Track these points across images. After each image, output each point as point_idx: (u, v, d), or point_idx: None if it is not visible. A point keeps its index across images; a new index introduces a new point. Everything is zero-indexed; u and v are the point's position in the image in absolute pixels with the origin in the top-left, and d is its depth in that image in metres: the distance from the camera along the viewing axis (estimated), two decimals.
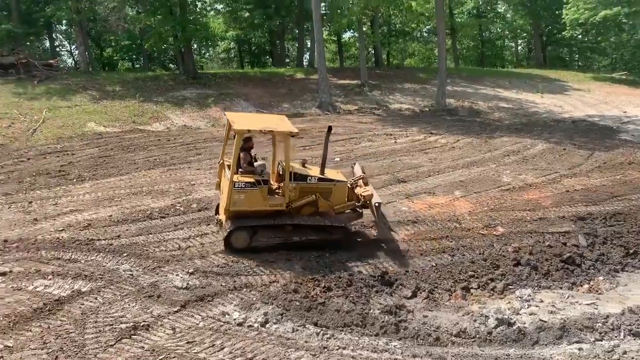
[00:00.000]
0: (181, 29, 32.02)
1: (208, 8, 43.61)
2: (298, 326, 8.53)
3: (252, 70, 42.64)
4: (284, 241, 11.08)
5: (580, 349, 8.28)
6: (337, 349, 8.02)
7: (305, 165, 11.82)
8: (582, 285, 10.49)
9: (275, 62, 48.24)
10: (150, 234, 11.77)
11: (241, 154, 10.91)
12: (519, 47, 66.45)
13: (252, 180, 10.72)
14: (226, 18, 45.89)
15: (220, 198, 11.82)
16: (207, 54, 59.53)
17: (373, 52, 47.14)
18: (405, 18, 48.29)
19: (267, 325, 8.49)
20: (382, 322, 8.74)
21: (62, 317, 8.37)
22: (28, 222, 12.26)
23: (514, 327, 8.79)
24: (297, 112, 29.46)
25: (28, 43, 41.01)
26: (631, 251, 11.76)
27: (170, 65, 49.26)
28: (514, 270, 10.77)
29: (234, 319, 8.59)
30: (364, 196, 11.70)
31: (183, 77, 34.06)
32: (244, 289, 9.58)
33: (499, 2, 55.21)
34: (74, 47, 49.26)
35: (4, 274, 9.62)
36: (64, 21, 41.27)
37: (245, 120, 11.87)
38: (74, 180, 15.70)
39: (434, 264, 11.03)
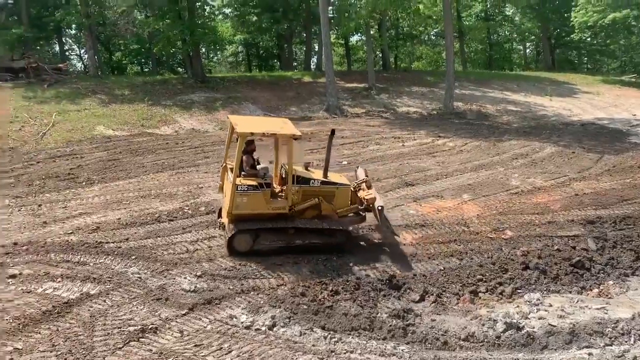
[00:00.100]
0: (189, 33, 32.17)
1: (216, 12, 43.71)
2: (305, 330, 8.52)
3: (260, 74, 42.73)
4: (286, 244, 11.07)
5: (590, 354, 8.22)
6: (345, 353, 8.01)
7: (308, 168, 11.80)
8: (591, 290, 10.41)
9: (282, 66, 48.33)
10: (159, 236, 11.82)
11: (244, 157, 10.92)
12: (527, 50, 66.19)
13: (254, 183, 10.73)
14: (234, 22, 46.09)
15: (223, 201, 11.80)
16: (215, 57, 59.71)
17: (381, 55, 47.08)
18: (412, 21, 48.19)
19: (275, 329, 8.49)
20: (390, 325, 8.72)
21: (71, 319, 8.42)
22: (37, 225, 12.34)
23: (523, 332, 8.74)
24: (304, 116, 29.50)
25: (38, 47, 41.39)
26: None
27: (179, 69, 49.46)
28: (522, 274, 10.71)
29: (242, 322, 8.60)
30: (367, 199, 11.65)
31: (191, 80, 34.19)
32: (252, 292, 9.59)
33: (507, 5, 55.01)
34: (83, 51, 49.64)
35: (13, 276, 9.69)
36: (74, 25, 41.52)
37: (248, 123, 11.87)
38: (83, 183, 15.80)
39: (442, 268, 10.99)
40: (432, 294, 9.95)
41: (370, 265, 10.91)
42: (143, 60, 50.46)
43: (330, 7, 37.89)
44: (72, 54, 53.49)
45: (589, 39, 53.29)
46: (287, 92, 33.77)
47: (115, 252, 10.85)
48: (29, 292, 9.19)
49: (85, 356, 7.53)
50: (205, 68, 44.01)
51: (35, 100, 26.33)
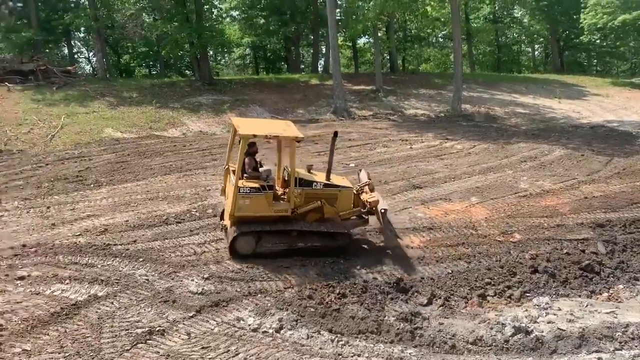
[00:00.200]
0: (197, 36, 32.30)
1: (224, 15, 43.94)
2: (313, 332, 8.50)
3: (267, 77, 42.83)
4: (288, 247, 11.02)
5: (599, 358, 8.15)
6: (352, 356, 7.98)
7: (311, 170, 11.78)
8: (601, 294, 10.33)
9: (290, 68, 48.43)
10: (166, 239, 11.83)
11: (246, 159, 10.88)
12: (536, 52, 65.96)
13: (257, 185, 10.70)
14: (242, 25, 46.28)
15: (225, 203, 11.77)
16: (223, 60, 59.96)
17: (388, 57, 47.06)
18: (420, 23, 48.25)
19: (282, 332, 8.47)
20: (398, 329, 8.68)
21: (79, 321, 8.44)
22: (46, 227, 12.40)
23: (532, 336, 8.68)
24: (312, 118, 29.52)
25: (47, 50, 41.71)
26: None
27: (187, 71, 49.66)
28: (531, 277, 10.64)
29: (249, 325, 8.59)
30: (369, 202, 11.59)
31: (199, 83, 34.31)
32: (259, 295, 9.58)
33: (515, 7, 54.85)
34: (91, 54, 50.03)
35: (22, 278, 9.73)
36: (83, 28, 41.92)
37: (250, 125, 11.80)
38: (91, 185, 15.86)
39: (450, 271, 10.93)
40: (440, 298, 9.91)
41: (377, 268, 10.88)
42: (151, 62, 50.75)
43: (337, 10, 37.96)
44: (81, 56, 53.98)
45: (598, 41, 53.02)
46: (295, 95, 33.81)
47: (123, 254, 10.87)
48: (37, 294, 9.23)
49: (92, 358, 7.54)
50: (213, 71, 44.13)
51: (44, 103, 26.51)
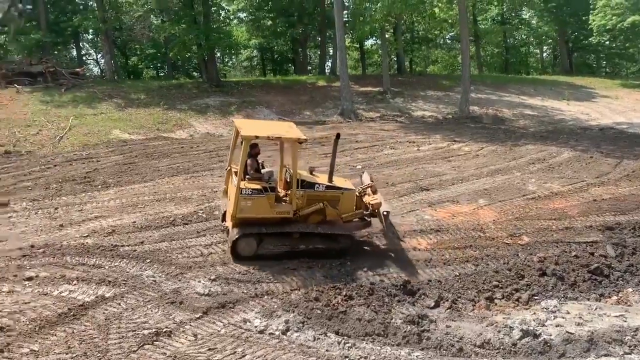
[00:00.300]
0: (205, 38, 32.38)
1: (231, 17, 44.00)
2: (319, 335, 8.48)
3: (275, 78, 42.88)
4: (290, 249, 10.99)
5: None
6: (359, 359, 7.96)
7: (314, 172, 11.75)
8: (610, 297, 10.24)
9: (297, 70, 48.45)
10: (173, 240, 11.86)
11: (248, 161, 10.87)
12: (544, 54, 65.59)
13: (259, 187, 10.69)
14: (249, 26, 46.31)
15: (227, 205, 11.73)
16: (230, 62, 60.10)
17: (396, 59, 46.97)
18: (428, 25, 48.09)
19: (288, 333, 8.46)
20: (405, 331, 8.65)
21: (86, 322, 8.47)
22: (54, 228, 12.46)
23: (540, 339, 8.62)
24: (318, 120, 29.51)
25: (56, 52, 41.96)
26: None
27: (194, 73, 49.81)
28: (539, 280, 10.57)
29: (255, 327, 8.59)
30: (372, 204, 11.53)
31: (206, 85, 34.40)
32: (265, 297, 9.58)
33: (523, 9, 54.60)
34: (100, 55, 50.21)
35: (30, 278, 9.78)
36: (91, 30, 42.15)
37: (252, 126, 11.77)
38: (99, 186, 15.93)
39: (458, 274, 10.88)
40: (447, 300, 9.86)
41: (384, 271, 10.84)
42: (159, 64, 50.94)
43: (345, 11, 37.94)
44: (89, 58, 54.25)
45: (607, 42, 52.60)
46: (302, 96, 33.82)
47: (131, 255, 10.90)
48: (45, 295, 9.27)
49: (100, 359, 7.57)
50: (220, 72, 44.24)
51: (53, 104, 26.67)
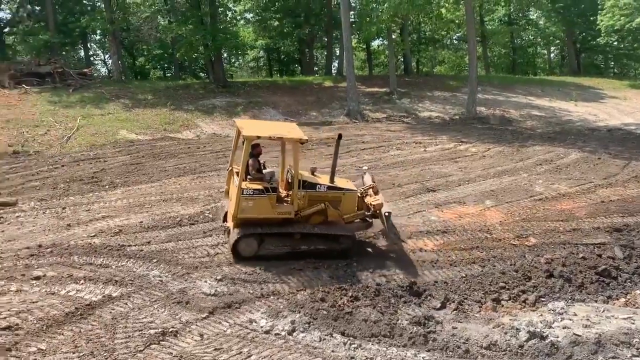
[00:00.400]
0: (211, 38, 32.48)
1: (238, 17, 44.10)
2: (325, 335, 8.48)
3: (281, 79, 42.93)
4: (292, 250, 10.97)
5: None
6: (365, 359, 7.94)
7: (315, 173, 11.74)
8: (618, 299, 10.19)
9: (303, 71, 48.49)
10: (180, 240, 11.89)
11: (250, 161, 10.85)
12: (552, 55, 65.31)
13: (260, 187, 10.67)
14: (256, 27, 46.41)
15: (228, 205, 11.73)
16: (237, 62, 60.25)
17: (402, 59, 46.94)
18: (435, 25, 47.99)
19: (294, 334, 8.46)
20: (411, 333, 8.63)
21: (93, 321, 8.50)
22: (61, 228, 12.52)
23: (547, 341, 8.57)
24: (325, 120, 29.51)
25: (64, 53, 42.24)
26: None
27: (201, 73, 49.97)
28: (546, 282, 10.53)
29: (261, 327, 8.59)
30: (374, 205, 11.47)
31: (213, 85, 34.50)
32: (272, 297, 9.58)
33: (531, 9, 54.39)
34: (107, 56, 50.49)
35: (38, 278, 9.83)
36: (99, 31, 42.33)
37: (254, 126, 11.75)
38: (106, 186, 16.00)
39: (464, 275, 10.85)
40: (454, 301, 9.84)
41: (390, 272, 10.81)
42: (166, 65, 51.14)
43: (351, 12, 37.95)
44: (97, 59, 54.59)
45: (615, 43, 52.33)
46: (308, 97, 33.84)
47: (137, 255, 10.94)
48: (52, 294, 9.31)
49: (106, 358, 7.59)
50: (227, 73, 44.37)
51: (61, 105, 26.82)
